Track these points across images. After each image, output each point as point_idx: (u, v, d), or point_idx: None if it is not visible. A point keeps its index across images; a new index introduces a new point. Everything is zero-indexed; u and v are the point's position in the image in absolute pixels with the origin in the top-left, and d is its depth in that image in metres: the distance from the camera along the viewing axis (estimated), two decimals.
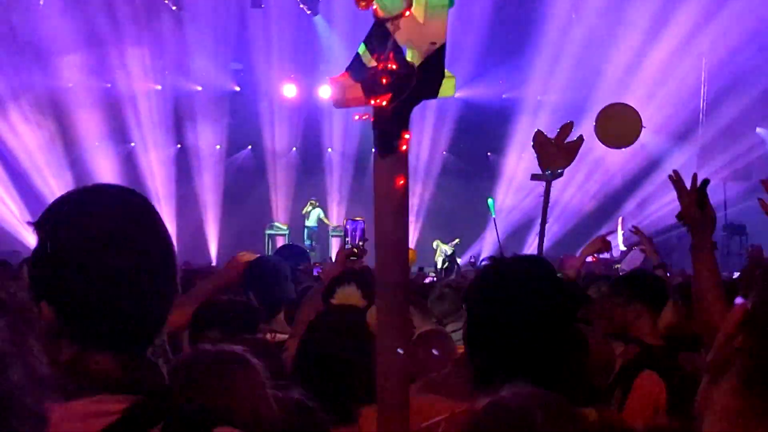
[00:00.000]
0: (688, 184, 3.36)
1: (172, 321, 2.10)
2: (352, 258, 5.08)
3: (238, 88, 25.90)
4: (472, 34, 22.68)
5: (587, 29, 22.51)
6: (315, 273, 8.78)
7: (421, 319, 5.58)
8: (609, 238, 5.92)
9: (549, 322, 2.49)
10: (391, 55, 3.59)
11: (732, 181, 21.80)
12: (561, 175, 7.44)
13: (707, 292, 3.26)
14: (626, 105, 8.00)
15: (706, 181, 3.35)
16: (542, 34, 22.77)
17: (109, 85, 24.24)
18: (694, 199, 3.33)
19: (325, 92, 23.47)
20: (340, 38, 23.07)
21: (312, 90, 24.88)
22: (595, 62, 22.94)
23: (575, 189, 23.56)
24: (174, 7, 23.56)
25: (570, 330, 2.60)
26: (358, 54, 3.60)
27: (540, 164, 7.45)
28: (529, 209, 21.43)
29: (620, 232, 20.34)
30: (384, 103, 3.60)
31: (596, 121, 7.97)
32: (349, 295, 4.53)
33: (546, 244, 7.71)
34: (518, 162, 24.30)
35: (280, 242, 25.21)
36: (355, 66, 3.64)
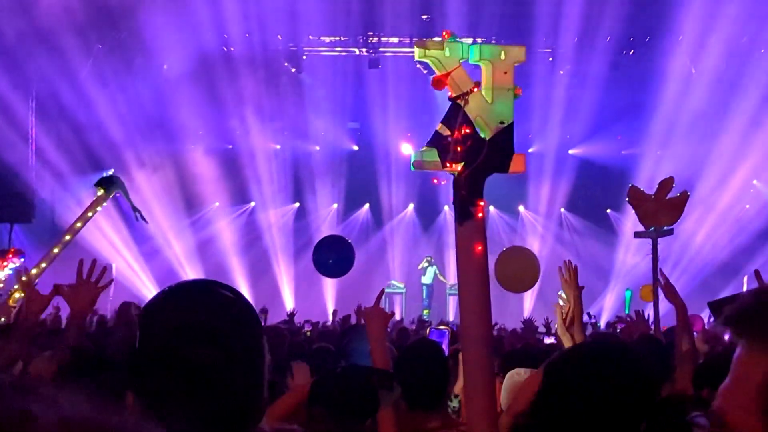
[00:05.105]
0: None
1: None
2: None
3: (355, 148, 26.20)
4: (589, 90, 22.39)
5: (708, 82, 21.90)
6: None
7: None
8: None
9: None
10: (464, 126, 3.66)
11: None
12: (671, 232, 7.14)
13: None
14: (524, 249, 7.81)
15: None
16: (661, 88, 22.27)
17: (230, 147, 24.89)
18: None
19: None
20: None
21: None
22: (716, 115, 22.27)
23: (702, 241, 22.60)
24: (293, 69, 24.09)
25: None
26: (437, 130, 3.78)
27: (641, 221, 7.20)
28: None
29: None
30: (459, 169, 3.65)
31: (495, 265, 7.86)
32: None
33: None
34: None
35: (398, 301, 25.15)
36: (434, 137, 3.80)
